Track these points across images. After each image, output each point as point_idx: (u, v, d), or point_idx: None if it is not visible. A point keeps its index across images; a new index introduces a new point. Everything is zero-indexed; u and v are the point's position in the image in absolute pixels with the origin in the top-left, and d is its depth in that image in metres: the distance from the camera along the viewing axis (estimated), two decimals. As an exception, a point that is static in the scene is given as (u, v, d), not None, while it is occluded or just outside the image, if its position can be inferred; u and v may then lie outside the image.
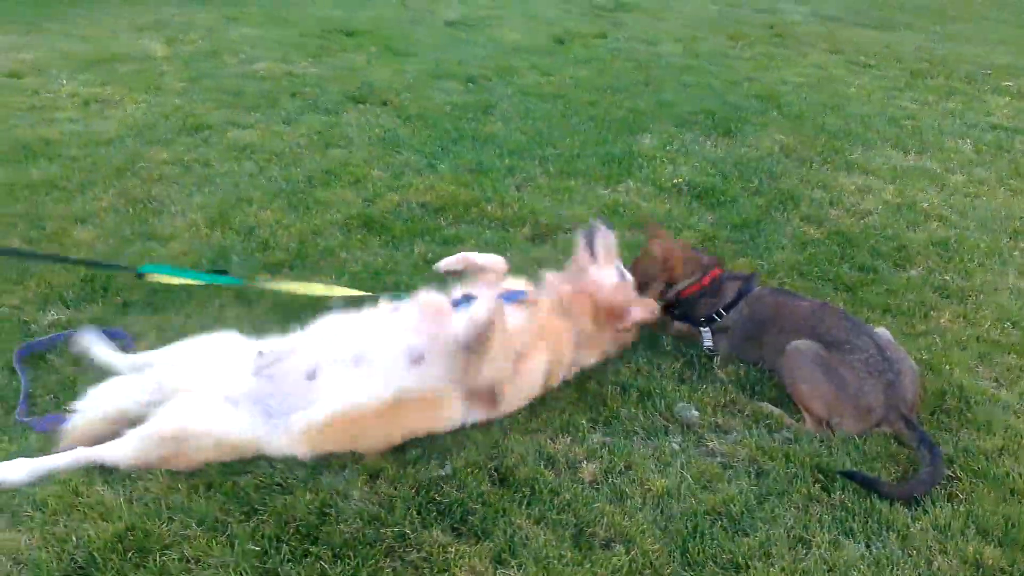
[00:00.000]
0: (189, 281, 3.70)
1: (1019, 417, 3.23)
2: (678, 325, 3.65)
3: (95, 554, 2.42)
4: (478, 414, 3.01)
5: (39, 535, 2.49)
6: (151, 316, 3.62)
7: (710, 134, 6.18)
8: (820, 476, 2.88)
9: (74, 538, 2.48)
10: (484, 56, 8.27)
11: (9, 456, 2.75)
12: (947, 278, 4.19)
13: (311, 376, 2.91)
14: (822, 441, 3.05)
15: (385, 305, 3.21)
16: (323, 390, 2.86)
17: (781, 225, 4.72)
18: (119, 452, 2.74)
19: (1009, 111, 6.98)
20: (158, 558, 2.42)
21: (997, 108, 7.06)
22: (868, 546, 2.61)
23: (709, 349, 3.54)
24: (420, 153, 5.62)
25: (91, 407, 2.87)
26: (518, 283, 3.38)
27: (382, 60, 8.05)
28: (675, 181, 5.22)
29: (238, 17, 9.69)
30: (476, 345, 2.83)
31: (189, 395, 2.83)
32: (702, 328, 3.55)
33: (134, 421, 2.81)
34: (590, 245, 3.43)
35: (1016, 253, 4.49)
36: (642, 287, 3.66)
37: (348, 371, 2.90)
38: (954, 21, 10.72)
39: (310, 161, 5.42)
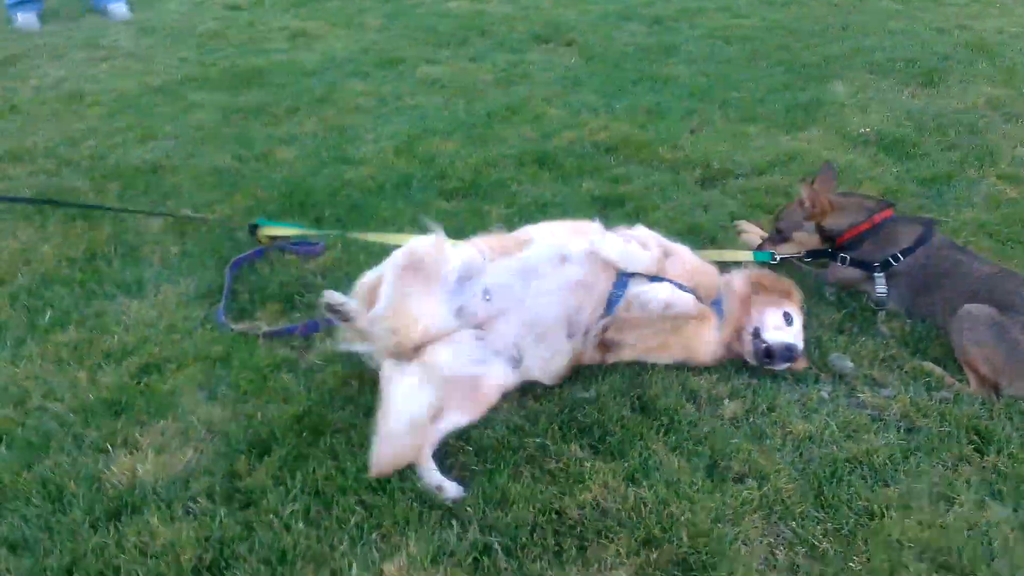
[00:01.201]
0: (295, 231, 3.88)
1: None
2: (843, 272, 3.54)
3: (276, 431, 2.78)
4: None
5: (231, 411, 2.89)
6: (341, 230, 3.98)
7: (909, 83, 5.80)
8: (975, 438, 2.77)
9: (260, 415, 2.86)
10: (674, -3, 8.12)
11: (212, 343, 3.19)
12: None
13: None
14: (983, 403, 2.92)
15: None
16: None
17: (975, 182, 4.41)
18: None
19: None
20: (328, 439, 2.74)
21: None
22: (1016, 510, 2.51)
23: (880, 297, 3.42)
24: (599, 93, 5.69)
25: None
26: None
27: (571, 0, 8.09)
28: (863, 131, 4.98)
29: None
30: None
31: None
32: (876, 274, 3.43)
33: None
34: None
35: None
36: (784, 234, 3.67)
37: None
38: None
39: (493, 97, 5.63)
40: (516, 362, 2.92)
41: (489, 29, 7.13)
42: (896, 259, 3.40)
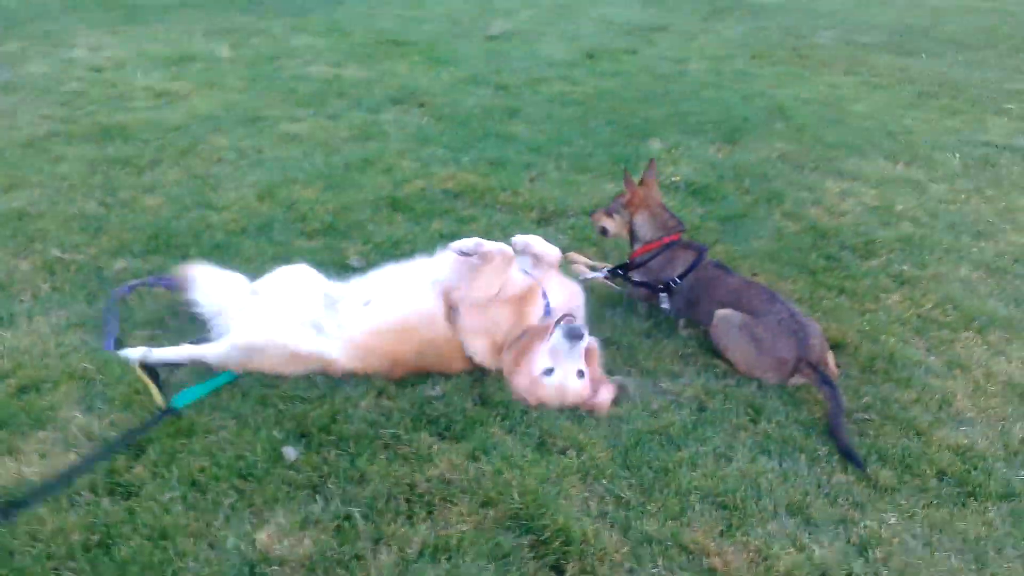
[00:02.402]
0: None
1: (939, 378, 3.71)
2: (637, 290, 4.19)
3: (151, 435, 3.06)
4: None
5: (108, 420, 3.15)
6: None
7: (715, 141, 6.71)
8: (751, 411, 3.41)
9: (136, 423, 3.13)
10: (518, 67, 8.93)
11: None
12: (904, 268, 4.68)
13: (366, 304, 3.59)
14: (760, 386, 3.58)
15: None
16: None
17: (763, 220, 5.24)
18: (213, 353, 3.48)
19: (1004, 131, 7.37)
20: (201, 440, 3.06)
21: (994, 128, 7.45)
22: (780, 463, 3.14)
23: (667, 311, 4.09)
24: (447, 148, 6.27)
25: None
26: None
27: (424, 68, 8.77)
28: (674, 179, 5.76)
29: (303, 27, 10.56)
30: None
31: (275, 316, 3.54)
32: (661, 293, 4.09)
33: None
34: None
35: (975, 250, 4.94)
36: (610, 210, 4.35)
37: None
38: (978, 50, 11.06)
39: (350, 151, 6.10)
40: None
41: (347, 92, 7.64)
42: (675, 283, 4.06)
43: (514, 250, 3.62)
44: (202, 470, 2.92)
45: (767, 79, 9.00)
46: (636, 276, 4.18)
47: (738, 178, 5.88)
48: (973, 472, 3.13)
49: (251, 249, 4.50)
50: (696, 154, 6.34)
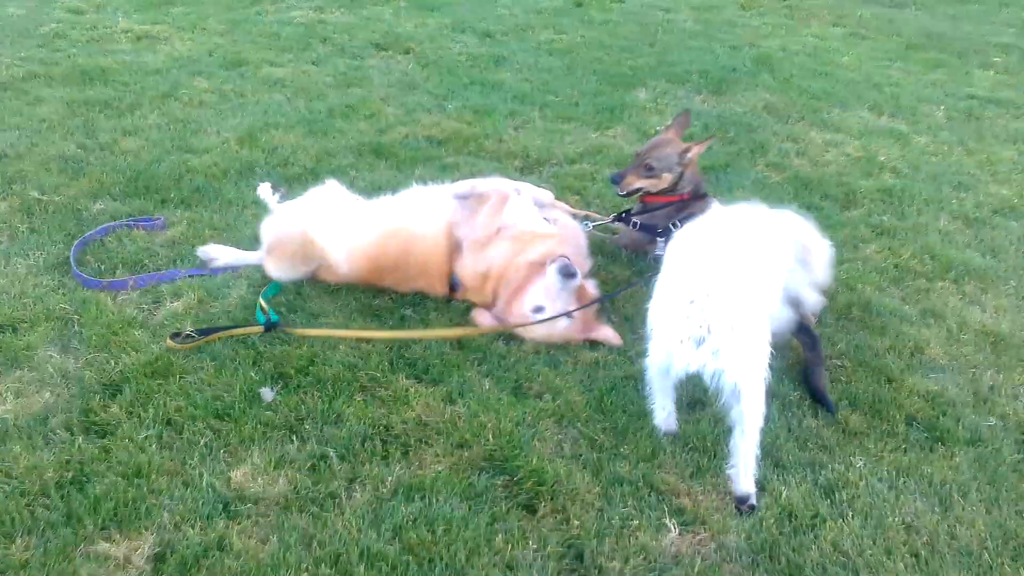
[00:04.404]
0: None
1: (913, 326, 3.75)
2: (634, 236, 4.16)
3: (128, 375, 3.08)
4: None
5: (84, 360, 3.16)
6: (184, 211, 4.27)
7: (701, 91, 6.67)
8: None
9: (112, 363, 3.15)
10: (505, 15, 8.79)
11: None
12: (884, 218, 4.69)
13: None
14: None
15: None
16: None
17: (746, 170, 5.23)
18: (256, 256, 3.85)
19: (989, 84, 7.35)
20: (178, 380, 3.07)
21: (979, 81, 7.43)
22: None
23: (660, 255, 4.07)
24: (432, 95, 6.21)
25: None
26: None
27: (409, 13, 8.62)
28: (658, 129, 5.73)
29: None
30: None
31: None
32: (659, 238, 4.07)
33: None
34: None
35: (954, 202, 4.96)
36: (656, 172, 4.03)
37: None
38: (965, 3, 10.98)
39: (333, 97, 6.03)
40: None
41: (330, 37, 7.53)
42: (676, 226, 4.05)
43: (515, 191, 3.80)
44: (178, 410, 2.94)
45: (755, 30, 8.91)
46: (637, 220, 4.13)
47: (723, 128, 5.85)
48: (942, 418, 3.18)
49: (231, 193, 4.47)
50: (682, 104, 6.29)
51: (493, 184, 3.80)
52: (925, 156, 5.65)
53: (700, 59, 7.52)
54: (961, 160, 5.63)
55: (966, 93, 7.00)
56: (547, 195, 4.04)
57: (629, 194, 4.15)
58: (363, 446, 2.86)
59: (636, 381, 3.26)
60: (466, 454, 2.87)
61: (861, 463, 2.93)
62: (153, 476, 2.66)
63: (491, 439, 2.91)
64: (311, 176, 4.72)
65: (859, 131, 5.99)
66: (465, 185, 3.79)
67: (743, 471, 2.71)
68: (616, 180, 4.12)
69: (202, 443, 2.82)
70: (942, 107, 6.60)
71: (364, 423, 2.95)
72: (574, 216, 4.46)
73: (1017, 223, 4.76)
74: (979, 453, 3.03)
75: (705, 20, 9.15)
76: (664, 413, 3.00)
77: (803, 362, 3.38)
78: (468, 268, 3.66)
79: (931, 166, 5.48)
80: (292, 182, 4.66)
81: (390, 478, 2.74)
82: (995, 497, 2.83)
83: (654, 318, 2.81)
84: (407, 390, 3.13)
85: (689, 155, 4.01)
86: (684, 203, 4.09)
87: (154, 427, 2.86)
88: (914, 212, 4.80)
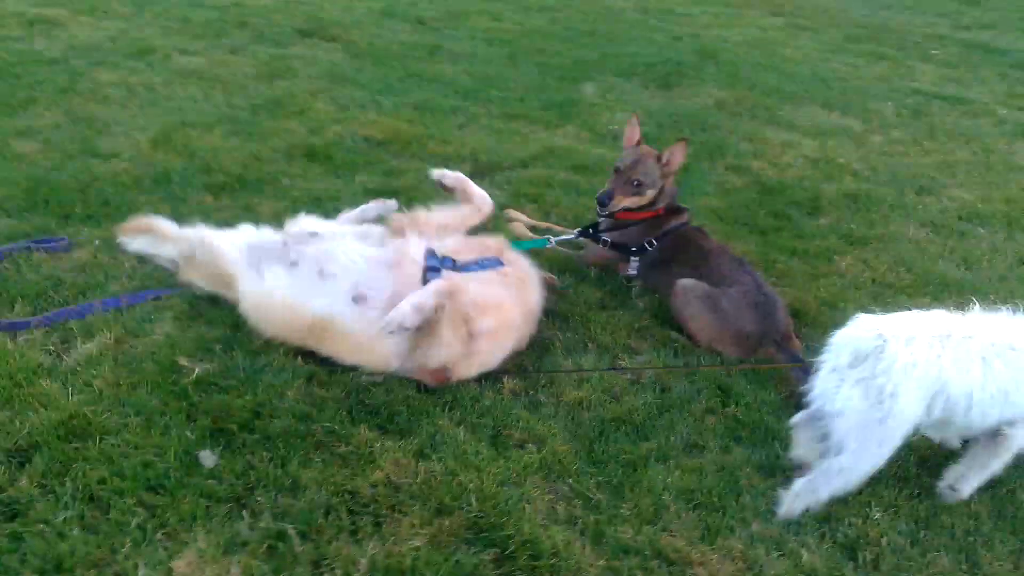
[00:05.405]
0: None
1: (900, 347, 3.55)
2: (603, 253, 3.85)
3: (37, 438, 2.57)
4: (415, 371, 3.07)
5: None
6: (93, 227, 3.72)
7: (648, 86, 6.41)
8: (719, 392, 3.17)
9: (18, 423, 2.63)
10: (436, -2, 8.35)
11: None
12: (853, 227, 4.52)
13: (293, 264, 3.18)
14: (723, 362, 3.34)
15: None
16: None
17: (707, 173, 4.99)
18: None
19: (932, 78, 7.34)
20: (98, 442, 2.59)
21: (922, 75, 7.42)
22: (754, 453, 2.91)
23: (632, 275, 3.76)
24: (365, 89, 5.74)
25: None
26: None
27: (333, -4, 8.08)
28: (611, 128, 5.44)
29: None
30: (423, 329, 2.94)
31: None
32: (632, 257, 3.76)
33: None
34: None
35: (919, 207, 4.83)
36: (643, 188, 3.74)
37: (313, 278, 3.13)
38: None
39: (255, 90, 5.50)
40: None
41: (248, 21, 6.93)
42: (651, 244, 3.75)
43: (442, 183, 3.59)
44: (102, 482, 2.45)
45: (694, 19, 8.73)
46: (608, 238, 3.82)
47: (676, 127, 5.60)
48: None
49: (146, 206, 3.93)
50: (632, 100, 6.02)
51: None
52: (883, 157, 5.53)
53: (644, 51, 7.27)
54: (918, 161, 5.54)
55: (911, 88, 6.97)
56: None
57: (613, 214, 3.82)
58: (327, 519, 2.45)
59: (625, 424, 2.95)
60: (447, 522, 2.49)
61: (879, 515, 2.69)
62: (78, 570, 2.20)
63: (474, 503, 2.54)
64: (239, 185, 4.22)
65: (813, 130, 5.84)
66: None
67: None
68: (604, 201, 3.78)
69: (134, 524, 2.34)
70: (890, 103, 6.53)
71: (325, 489, 2.53)
72: (533, 229, 4.12)
73: (984, 229, 4.66)
74: (995, 495, 2.84)
75: (644, 7, 8.92)
76: None
77: (796, 395, 3.12)
78: None
79: (889, 167, 5.37)
80: (218, 192, 4.15)
81: (363, 559, 2.33)
82: (1020, 548, 2.64)
83: None
84: (371, 445, 2.72)
85: (669, 166, 3.71)
86: (658, 219, 3.79)
87: (74, 505, 2.37)
88: (881, 220, 4.65)
